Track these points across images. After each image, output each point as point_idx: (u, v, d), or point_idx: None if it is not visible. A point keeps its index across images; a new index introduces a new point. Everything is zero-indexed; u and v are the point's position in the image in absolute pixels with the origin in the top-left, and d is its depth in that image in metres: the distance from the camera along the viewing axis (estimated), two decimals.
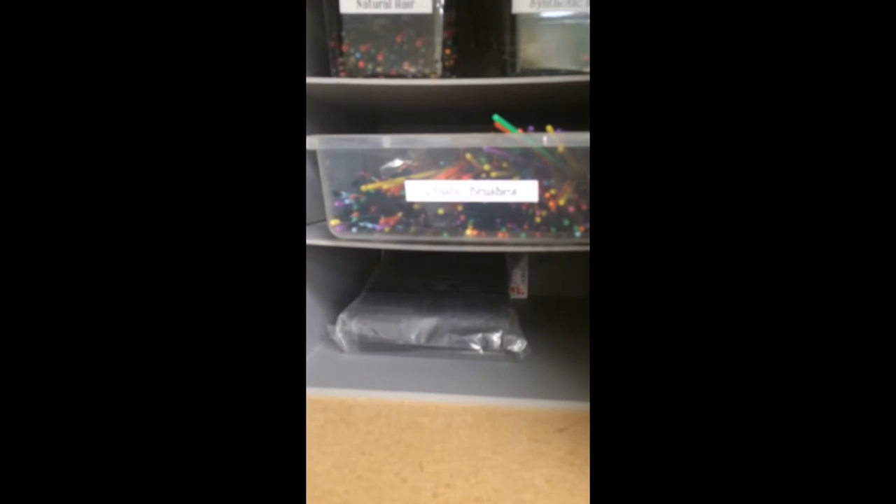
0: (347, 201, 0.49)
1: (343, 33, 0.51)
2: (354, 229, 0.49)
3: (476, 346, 0.57)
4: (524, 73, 0.49)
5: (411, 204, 0.47)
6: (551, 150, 0.44)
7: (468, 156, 0.45)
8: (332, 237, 0.49)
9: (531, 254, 0.85)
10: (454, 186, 0.45)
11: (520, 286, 0.87)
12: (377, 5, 0.49)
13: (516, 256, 0.85)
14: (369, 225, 0.49)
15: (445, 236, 0.47)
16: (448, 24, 0.50)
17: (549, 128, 0.43)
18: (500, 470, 0.38)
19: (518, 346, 0.56)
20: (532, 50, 0.50)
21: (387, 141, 0.45)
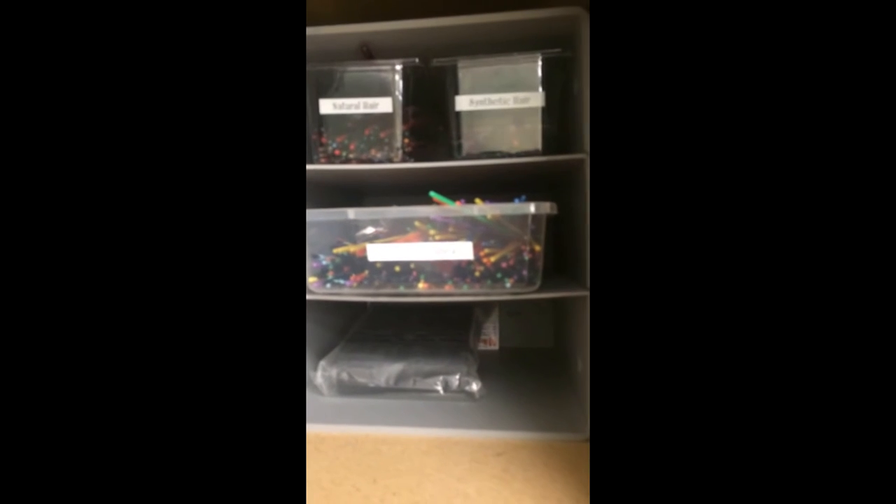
0: (324, 262, 0.58)
1: (322, 129, 0.61)
2: (328, 285, 0.57)
3: (437, 387, 0.64)
4: (469, 156, 0.59)
5: (374, 263, 0.56)
6: (484, 216, 0.53)
7: (417, 223, 0.54)
8: (310, 292, 0.57)
9: (501, 308, 0.92)
10: (406, 248, 0.53)
11: (491, 338, 0.93)
12: (349, 107, 0.60)
13: (488, 311, 0.93)
14: (341, 281, 0.57)
15: (402, 289, 0.55)
16: (406, 118, 0.60)
17: (477, 200, 0.52)
18: (440, 482, 0.44)
19: (474, 386, 0.63)
20: (473, 137, 0.60)
21: (351, 213, 0.55)
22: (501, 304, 0.93)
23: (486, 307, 0.92)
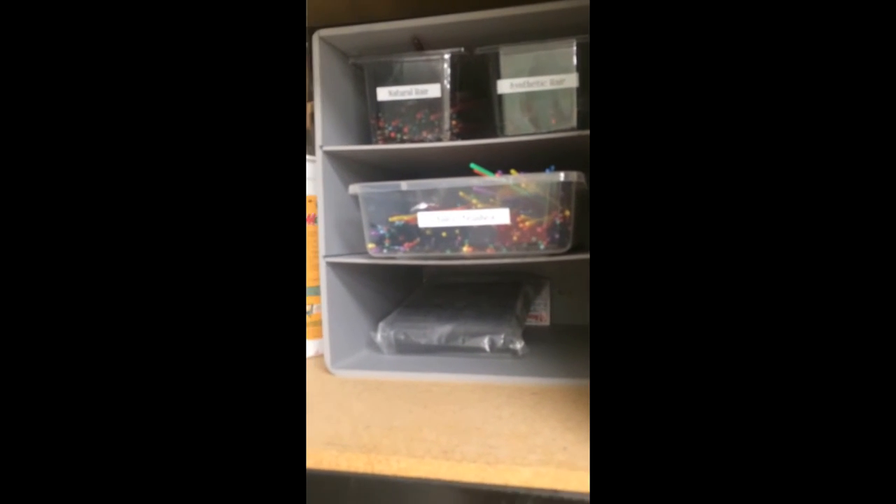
0: (381, 232, 0.69)
1: (380, 113, 0.73)
2: (385, 250, 0.68)
3: (484, 345, 0.74)
4: (510, 135, 0.68)
5: (425, 230, 0.67)
6: (518, 185, 0.63)
7: (461, 193, 0.64)
8: (369, 257, 0.69)
9: (552, 286, 1.01)
10: (451, 215, 0.64)
11: (542, 314, 1.02)
12: (403, 94, 0.71)
13: (538, 288, 1.01)
14: (396, 247, 0.68)
15: (448, 252, 0.66)
16: (453, 102, 0.70)
17: (513, 171, 0.62)
18: (479, 407, 0.54)
19: (518, 345, 0.73)
20: (514, 117, 0.69)
21: (404, 185, 0.66)
22: (552, 283, 1.01)
23: (537, 284, 1.00)
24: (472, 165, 0.63)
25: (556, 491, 0.39)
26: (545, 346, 0.80)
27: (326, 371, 0.70)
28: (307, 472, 0.43)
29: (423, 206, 0.69)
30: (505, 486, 0.40)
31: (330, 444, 0.45)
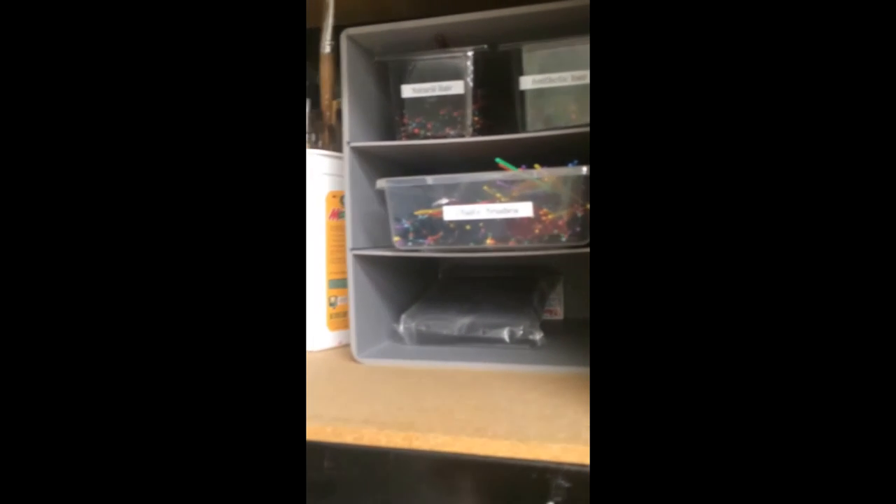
0: (406, 225, 0.72)
1: (404, 110, 0.75)
2: (410, 243, 0.71)
3: (504, 336, 0.76)
4: (532, 131, 0.71)
5: (449, 223, 0.69)
6: (541, 181, 0.66)
7: (485, 187, 0.67)
8: (395, 249, 0.72)
9: (566, 281, 1.03)
10: (475, 208, 0.67)
11: (556, 309, 1.05)
12: (426, 91, 0.74)
13: (552, 283, 1.04)
14: (420, 240, 0.71)
15: (472, 244, 0.68)
16: (476, 99, 0.73)
17: (536, 165, 0.64)
18: (501, 392, 0.57)
19: (537, 336, 0.75)
20: (535, 113, 0.72)
21: (430, 179, 0.68)
22: (566, 279, 1.04)
23: (551, 279, 1.03)
24: (497, 160, 0.66)
25: (583, 465, 0.42)
26: (561, 338, 0.83)
27: (353, 360, 0.73)
28: (348, 446, 0.46)
29: (444, 200, 0.71)
30: (536, 461, 0.43)
31: (368, 422, 0.48)
